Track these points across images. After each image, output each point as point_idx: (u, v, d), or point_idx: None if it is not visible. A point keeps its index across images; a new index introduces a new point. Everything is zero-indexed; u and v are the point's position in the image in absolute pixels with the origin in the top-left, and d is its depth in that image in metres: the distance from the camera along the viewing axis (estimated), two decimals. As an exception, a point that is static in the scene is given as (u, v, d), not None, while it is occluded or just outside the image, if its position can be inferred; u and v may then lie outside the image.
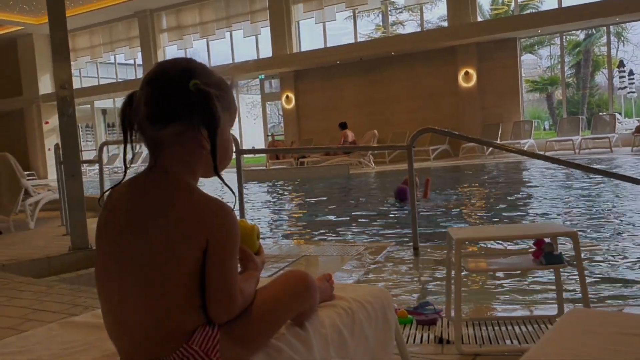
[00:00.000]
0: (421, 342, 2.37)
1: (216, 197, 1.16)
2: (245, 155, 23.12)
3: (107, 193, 1.25)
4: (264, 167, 16.15)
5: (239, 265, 1.24)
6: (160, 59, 21.62)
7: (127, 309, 1.13)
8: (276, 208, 8.86)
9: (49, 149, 22.04)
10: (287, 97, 19.54)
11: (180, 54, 22.23)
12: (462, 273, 2.30)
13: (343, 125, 15.63)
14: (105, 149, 9.44)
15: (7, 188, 6.58)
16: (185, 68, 1.17)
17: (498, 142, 15.32)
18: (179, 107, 1.12)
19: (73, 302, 3.33)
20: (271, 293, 1.28)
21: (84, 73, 24.75)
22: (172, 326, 1.11)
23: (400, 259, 4.04)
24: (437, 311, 2.72)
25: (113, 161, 21.16)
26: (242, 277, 1.24)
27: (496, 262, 2.40)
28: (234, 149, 4.40)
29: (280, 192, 11.98)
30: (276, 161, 16.53)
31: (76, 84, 23.49)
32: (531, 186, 8.90)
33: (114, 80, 23.95)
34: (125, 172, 1.23)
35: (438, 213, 6.63)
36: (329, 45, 18.68)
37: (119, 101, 24.40)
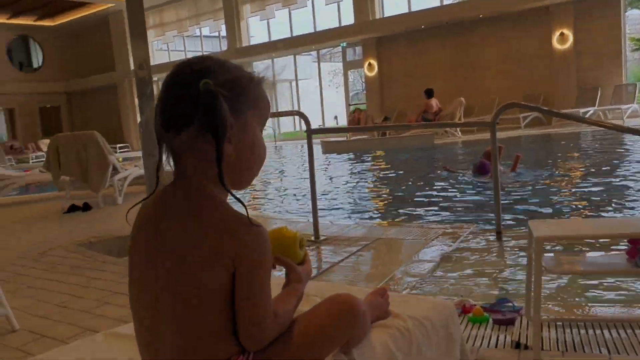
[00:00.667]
0: (496, 345, 2.18)
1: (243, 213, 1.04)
2: (326, 125, 23.15)
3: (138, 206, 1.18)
4: (345, 138, 16.00)
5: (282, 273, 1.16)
6: (243, 30, 21.88)
7: (158, 332, 1.06)
8: (354, 183, 8.72)
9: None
10: (370, 64, 19.18)
11: (263, 24, 22.34)
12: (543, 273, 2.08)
13: (429, 93, 15.11)
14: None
15: (96, 165, 6.86)
16: (199, 67, 1.05)
17: (596, 107, 14.31)
18: (190, 111, 1.00)
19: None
20: (314, 321, 1.15)
21: (172, 47, 25.48)
22: (202, 354, 1.03)
23: (481, 245, 3.80)
24: (516, 309, 2.50)
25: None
26: (281, 295, 1.15)
27: (584, 261, 2.14)
28: (307, 128, 4.29)
29: (360, 165, 11.83)
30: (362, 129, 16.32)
31: (164, 58, 24.28)
32: (634, 162, 8.16)
33: (200, 53, 24.50)
34: (156, 185, 1.13)
35: (526, 191, 6.24)
36: (413, 9, 18.04)
37: (206, 74, 25.02)
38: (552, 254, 2.24)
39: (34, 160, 20.61)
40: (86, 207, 6.88)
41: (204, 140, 1.01)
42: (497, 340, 2.23)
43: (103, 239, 4.97)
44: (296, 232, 1.28)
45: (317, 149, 15.17)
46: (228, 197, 1.12)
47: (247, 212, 1.02)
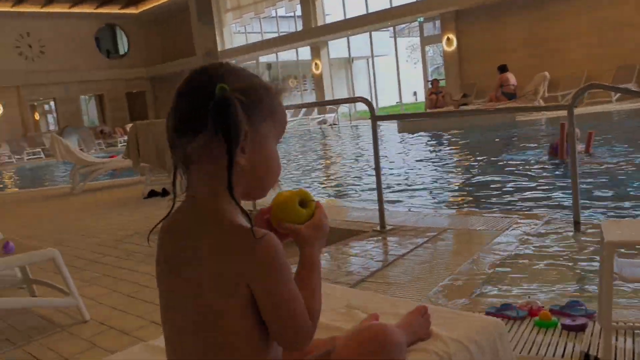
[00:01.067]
0: (563, 355, 2.03)
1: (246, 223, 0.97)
2: (404, 102, 22.77)
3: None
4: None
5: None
6: (318, 9, 21.76)
7: (183, 353, 1.03)
8: (427, 165, 8.49)
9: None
10: (448, 39, 18.60)
11: (338, 2, 22.11)
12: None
13: (502, 69, 14.46)
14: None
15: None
16: (215, 73, 0.99)
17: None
18: (205, 114, 0.95)
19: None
20: (344, 357, 1.09)
21: (249, 29, 25.80)
22: None
23: (556, 237, 3.57)
24: (589, 313, 2.32)
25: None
26: (298, 279, 1.04)
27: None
28: (372, 115, 4.18)
29: (436, 144, 11.53)
30: (435, 109, 15.92)
31: (242, 41, 24.63)
32: None
33: (276, 34, 24.68)
34: (174, 201, 1.09)
35: (607, 176, 5.82)
36: (493, -20, 17.25)
37: (282, 55, 25.28)
38: (628, 259, 2.05)
39: (122, 144, 21.64)
40: (164, 193, 7.12)
41: (217, 145, 0.95)
42: (565, 349, 2.08)
43: (176, 226, 5.11)
44: (296, 190, 1.13)
45: (393, 128, 14.94)
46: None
47: (251, 224, 0.95)
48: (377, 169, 4.18)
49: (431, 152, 10.50)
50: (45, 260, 2.97)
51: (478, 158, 8.52)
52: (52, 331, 2.85)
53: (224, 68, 1.01)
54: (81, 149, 17.48)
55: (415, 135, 13.28)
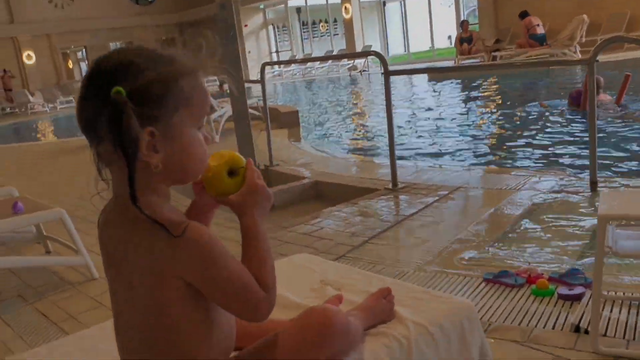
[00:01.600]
0: (553, 327, 2.00)
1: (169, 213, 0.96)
2: (436, 47, 22.16)
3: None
4: (453, 62, 15.23)
5: None
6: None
7: (131, 345, 1.04)
8: (450, 117, 8.30)
9: (249, 52, 23.37)
10: (483, -19, 17.81)
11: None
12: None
13: (522, 15, 13.84)
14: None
15: (193, 104, 7.06)
16: (114, 68, 0.92)
17: None
18: (99, 125, 0.91)
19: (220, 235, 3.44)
20: (287, 343, 1.07)
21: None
22: None
23: (571, 198, 3.47)
24: (588, 282, 2.27)
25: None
26: (244, 253, 1.04)
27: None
28: (385, 70, 4.07)
29: (464, 94, 11.25)
30: (466, 56, 15.46)
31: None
32: None
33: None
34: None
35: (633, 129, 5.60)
36: None
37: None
38: (628, 231, 1.97)
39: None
40: (185, 145, 7.16)
41: (119, 156, 0.91)
42: (557, 320, 2.05)
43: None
44: (227, 156, 1.08)
45: (423, 75, 14.60)
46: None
47: (165, 226, 0.91)
48: (390, 125, 4.10)
49: (456, 102, 10.26)
50: (54, 219, 3.04)
51: (502, 109, 8.30)
52: (62, 288, 2.95)
53: (125, 59, 0.94)
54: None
55: (444, 82, 12.97)
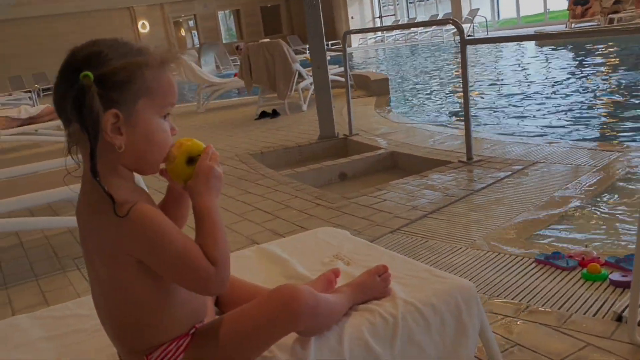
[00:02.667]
0: (595, 314, 1.91)
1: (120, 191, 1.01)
2: (552, 9, 20.77)
3: None
4: (564, 26, 14.26)
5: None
6: None
7: (100, 315, 1.14)
8: (549, 86, 7.84)
9: (352, 17, 23.19)
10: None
11: None
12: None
13: None
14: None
15: (282, 72, 7.21)
16: (83, 55, 1.01)
17: None
18: (68, 108, 0.98)
19: (284, 202, 3.56)
20: (248, 320, 1.12)
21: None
22: (136, 341, 1.09)
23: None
24: (646, 269, 2.13)
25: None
26: (196, 229, 1.07)
27: None
28: (461, 38, 3.93)
29: (573, 62, 10.53)
30: (579, 20, 14.40)
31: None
32: None
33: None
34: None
35: None
36: None
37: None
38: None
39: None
40: (274, 114, 7.36)
41: (84, 135, 0.99)
42: (602, 307, 1.95)
43: (274, 149, 5.33)
44: (186, 145, 1.11)
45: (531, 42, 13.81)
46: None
47: (112, 201, 0.98)
48: (466, 97, 3.98)
49: (560, 71, 9.64)
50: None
51: (608, 79, 7.71)
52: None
53: (94, 48, 1.02)
54: (217, 66, 18.36)
55: (556, 48, 12.21)
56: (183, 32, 28.80)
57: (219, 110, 9.08)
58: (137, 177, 3.23)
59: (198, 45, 24.72)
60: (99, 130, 0.98)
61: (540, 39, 12.31)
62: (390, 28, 22.29)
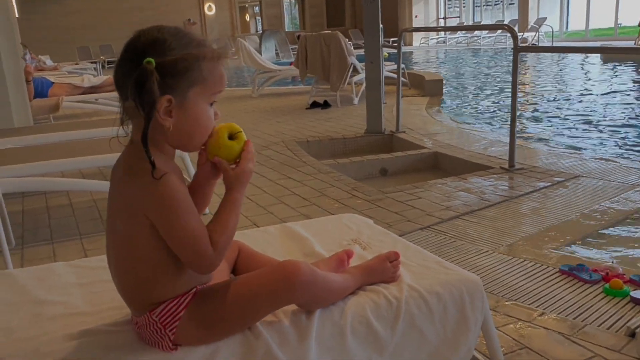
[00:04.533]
0: (609, 328, 1.92)
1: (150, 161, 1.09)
2: (621, 23, 20.05)
3: None
4: (633, 43, 13.76)
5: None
6: None
7: (112, 269, 1.23)
8: (603, 101, 7.63)
9: (416, 16, 23.00)
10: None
11: None
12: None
13: None
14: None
15: (336, 64, 7.28)
16: (147, 41, 1.11)
17: None
18: (128, 85, 1.08)
19: (321, 190, 3.64)
20: (249, 286, 1.21)
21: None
22: (141, 296, 1.19)
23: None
24: (670, 291, 2.12)
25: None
26: (216, 214, 1.18)
27: None
28: (515, 45, 3.90)
29: (636, 79, 10.17)
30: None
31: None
32: None
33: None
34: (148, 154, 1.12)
35: None
36: None
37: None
38: None
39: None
40: (325, 105, 7.44)
41: (139, 112, 1.09)
42: (617, 322, 1.96)
43: (320, 138, 5.41)
44: (226, 124, 1.24)
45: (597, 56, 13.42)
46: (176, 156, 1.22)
47: (152, 166, 1.07)
48: (514, 105, 3.96)
49: (622, 87, 9.34)
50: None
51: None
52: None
53: (157, 35, 1.11)
54: (277, 53, 18.55)
55: (620, 64, 11.83)
56: (248, 18, 29.21)
57: (272, 97, 9.23)
58: (183, 154, 3.36)
59: (261, 32, 25.03)
60: (154, 111, 1.08)
61: (592, 52, 12.03)
62: (445, 29, 22.01)
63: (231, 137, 1.22)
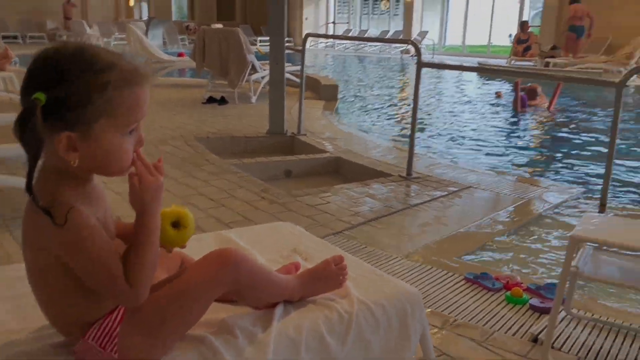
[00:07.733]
0: (515, 334, 2.09)
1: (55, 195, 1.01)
2: (496, 43, 21.70)
3: None
4: (505, 62, 14.95)
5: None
6: None
7: (35, 295, 1.14)
8: (484, 116, 8.25)
9: (306, 18, 23.30)
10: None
11: None
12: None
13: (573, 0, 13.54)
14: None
15: (235, 62, 7.19)
16: (45, 67, 0.99)
17: None
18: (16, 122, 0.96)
19: (229, 190, 3.59)
20: (183, 280, 1.17)
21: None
22: (67, 321, 1.12)
23: (575, 215, 3.51)
24: (563, 298, 2.34)
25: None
26: (132, 246, 1.08)
27: (630, 269, 1.92)
28: (418, 60, 4.10)
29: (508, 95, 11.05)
30: (520, 58, 15.16)
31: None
32: None
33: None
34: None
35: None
36: None
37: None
38: (606, 257, 2.02)
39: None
40: (222, 101, 7.32)
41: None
42: (520, 328, 2.13)
43: (220, 135, 5.33)
44: (170, 211, 1.19)
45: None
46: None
47: (49, 215, 0.97)
48: (414, 117, 4.15)
49: (496, 104, 10.13)
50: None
51: (543, 116, 8.19)
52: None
53: (58, 69, 0.98)
54: (164, 42, 17.93)
55: (491, 80, 12.78)
56: (132, 2, 27.91)
57: (165, 88, 8.89)
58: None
59: (146, 18, 24.04)
60: (40, 152, 0.96)
61: (494, 73, 12.89)
62: (351, 38, 22.50)
63: (175, 224, 1.18)
